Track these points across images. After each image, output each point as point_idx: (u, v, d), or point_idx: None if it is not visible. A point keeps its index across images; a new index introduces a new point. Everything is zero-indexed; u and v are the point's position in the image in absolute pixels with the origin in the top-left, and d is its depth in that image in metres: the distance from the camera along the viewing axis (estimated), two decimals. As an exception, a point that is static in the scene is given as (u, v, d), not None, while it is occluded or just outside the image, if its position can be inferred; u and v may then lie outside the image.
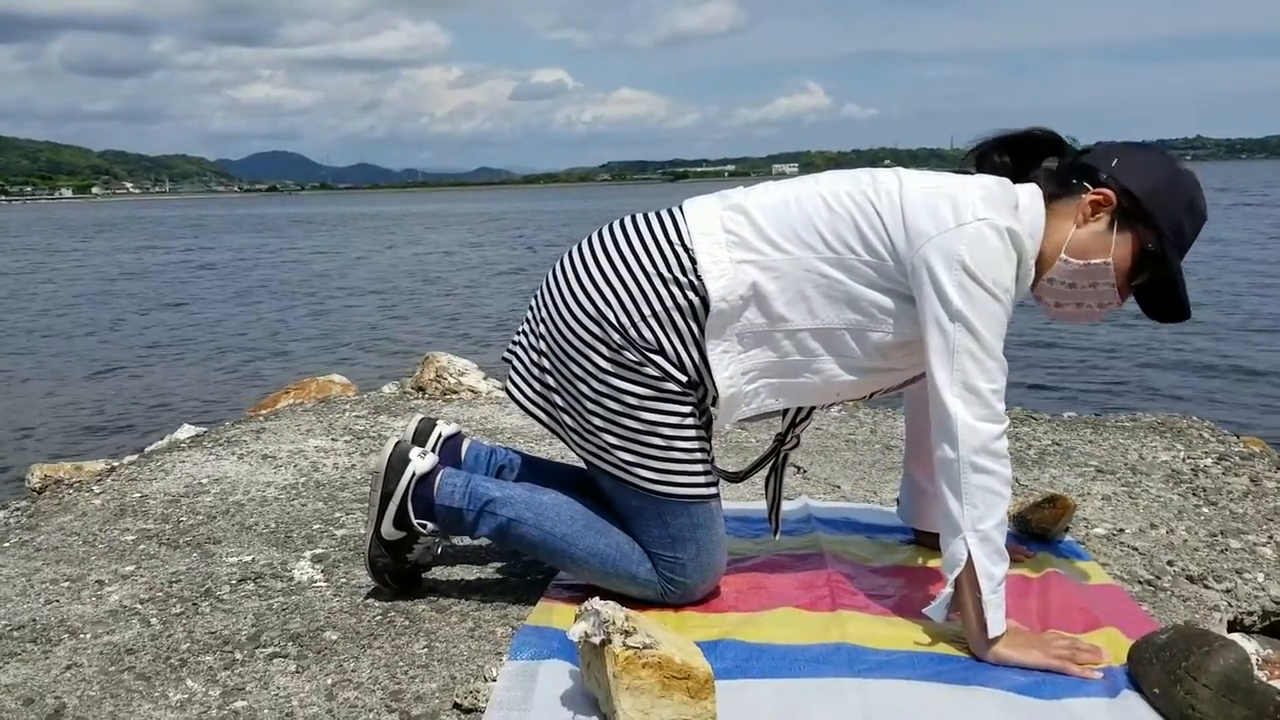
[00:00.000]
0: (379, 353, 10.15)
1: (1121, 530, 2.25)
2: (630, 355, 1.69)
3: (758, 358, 1.71)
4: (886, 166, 1.79)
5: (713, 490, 1.77)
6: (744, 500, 2.45)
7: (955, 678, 1.54)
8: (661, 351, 1.69)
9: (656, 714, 1.34)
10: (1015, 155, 1.76)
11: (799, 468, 2.76)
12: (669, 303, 1.68)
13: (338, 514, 2.41)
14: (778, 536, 2.00)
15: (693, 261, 1.68)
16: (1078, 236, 1.68)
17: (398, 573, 1.87)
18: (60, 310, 14.40)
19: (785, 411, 1.87)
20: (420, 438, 1.99)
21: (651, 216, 1.77)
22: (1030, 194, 1.70)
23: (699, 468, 1.74)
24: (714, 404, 1.76)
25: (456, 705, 1.50)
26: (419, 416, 2.04)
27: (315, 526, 2.33)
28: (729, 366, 1.70)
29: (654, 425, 1.71)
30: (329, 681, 1.59)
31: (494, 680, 1.54)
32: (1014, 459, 2.87)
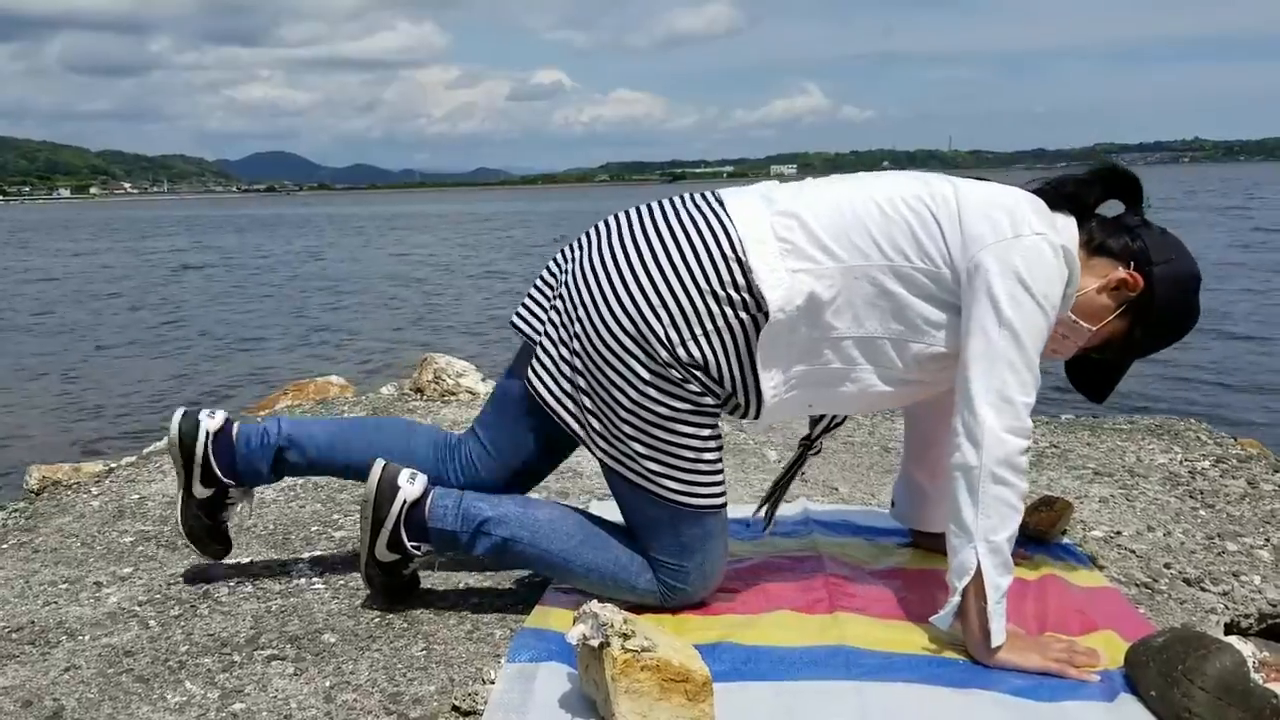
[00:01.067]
0: (378, 353, 10.15)
1: (1119, 533, 2.26)
2: (675, 372, 1.65)
3: (801, 366, 1.68)
4: (885, 169, 1.79)
5: (725, 499, 1.76)
6: (742, 503, 2.45)
7: (953, 680, 1.54)
8: (705, 368, 1.65)
9: (654, 716, 1.34)
10: (1101, 190, 1.74)
11: (797, 470, 2.77)
12: (720, 321, 1.63)
13: (336, 516, 2.41)
14: (767, 533, 2.01)
15: (748, 274, 1.62)
16: (1089, 297, 1.70)
17: (394, 586, 1.87)
18: (54, 310, 14.38)
19: (819, 417, 1.87)
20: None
21: (695, 215, 1.68)
22: (1065, 224, 1.69)
23: (719, 478, 1.73)
24: (745, 413, 1.72)
25: (455, 707, 1.50)
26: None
27: (314, 528, 2.33)
28: (775, 376, 1.67)
29: (687, 438, 1.68)
30: (327, 684, 1.59)
31: (492, 682, 1.54)
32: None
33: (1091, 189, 1.73)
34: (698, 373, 1.66)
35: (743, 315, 1.63)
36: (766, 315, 1.62)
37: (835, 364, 1.68)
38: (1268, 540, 2.20)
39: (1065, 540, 2.16)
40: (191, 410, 1.93)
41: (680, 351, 1.64)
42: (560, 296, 1.76)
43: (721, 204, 1.70)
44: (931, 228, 1.62)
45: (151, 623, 1.82)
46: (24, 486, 2.78)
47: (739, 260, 1.63)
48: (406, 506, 1.77)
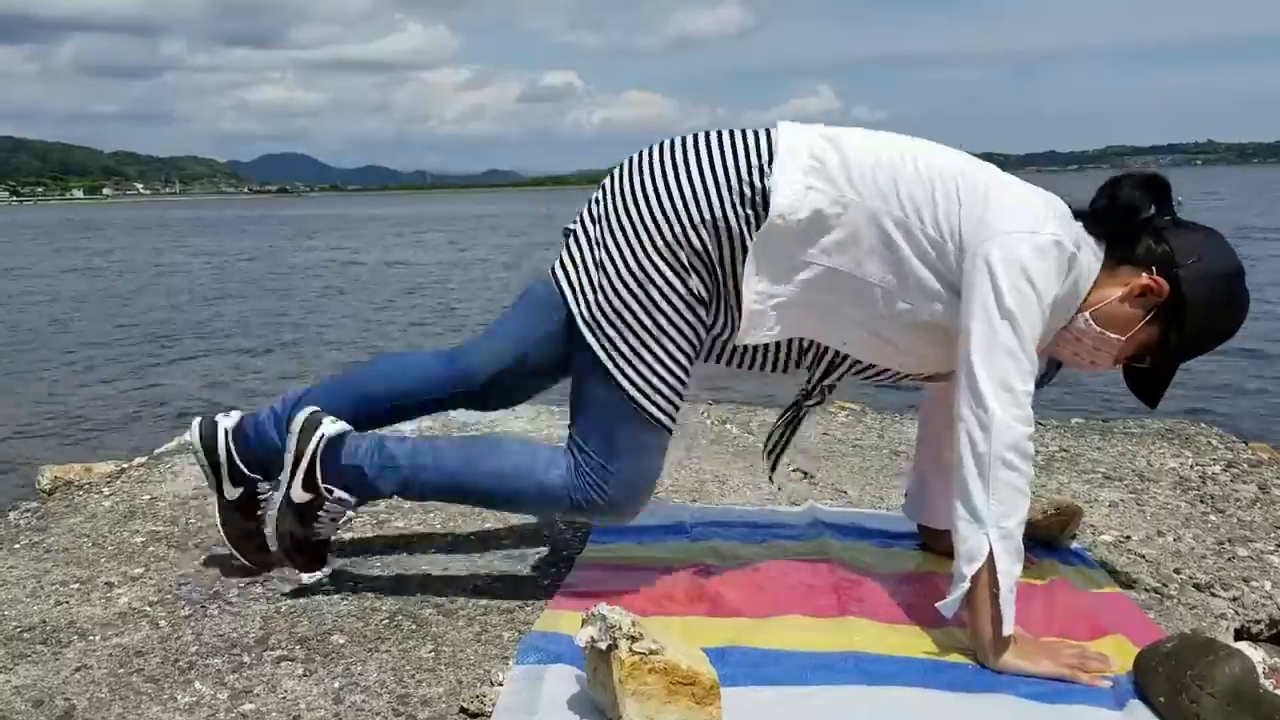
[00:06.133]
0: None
1: (1128, 537, 2.25)
2: (682, 254, 1.68)
3: (789, 288, 1.70)
4: None
5: (673, 424, 1.78)
6: (751, 504, 2.45)
7: (964, 685, 1.54)
8: (706, 256, 1.68)
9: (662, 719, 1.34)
10: (1142, 193, 1.72)
11: (805, 473, 2.76)
12: (731, 212, 1.67)
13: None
14: (772, 477, 2.04)
15: (765, 176, 1.67)
16: (1111, 307, 1.70)
17: (304, 542, 1.88)
18: (69, 310, 14.45)
19: (812, 367, 1.85)
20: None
21: (748, 130, 1.76)
22: (1093, 248, 1.70)
23: (677, 400, 1.75)
24: (725, 328, 1.75)
25: (463, 709, 1.50)
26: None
27: (323, 529, 2.33)
28: (760, 284, 1.69)
29: (669, 334, 1.70)
30: (336, 685, 1.59)
31: (500, 685, 1.55)
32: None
33: (1149, 182, 1.72)
34: (699, 264, 1.69)
35: (748, 211, 1.67)
36: (767, 215, 1.66)
37: (825, 296, 1.71)
38: (1278, 545, 2.20)
39: (1074, 545, 2.16)
40: (208, 416, 2.01)
41: (690, 233, 1.67)
42: (598, 200, 1.80)
43: (775, 123, 1.76)
44: (952, 200, 1.65)
45: (162, 623, 1.83)
46: (36, 486, 2.79)
47: (763, 163, 1.68)
48: (324, 441, 1.83)
